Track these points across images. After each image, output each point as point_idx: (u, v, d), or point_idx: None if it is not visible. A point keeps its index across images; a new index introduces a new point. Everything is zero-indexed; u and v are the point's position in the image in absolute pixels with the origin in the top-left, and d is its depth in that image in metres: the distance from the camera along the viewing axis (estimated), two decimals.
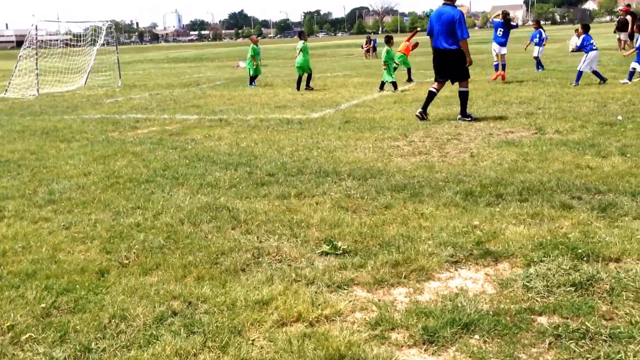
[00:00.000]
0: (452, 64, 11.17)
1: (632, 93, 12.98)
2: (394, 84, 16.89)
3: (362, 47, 42.56)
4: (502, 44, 17.88)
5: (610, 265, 4.23)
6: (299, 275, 4.27)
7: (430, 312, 3.62)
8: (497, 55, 17.99)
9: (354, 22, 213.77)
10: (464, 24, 10.87)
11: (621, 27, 28.65)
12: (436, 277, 4.23)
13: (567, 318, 3.49)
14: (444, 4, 11.17)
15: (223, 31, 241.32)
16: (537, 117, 10.76)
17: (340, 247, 4.76)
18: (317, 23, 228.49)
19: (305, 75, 18.47)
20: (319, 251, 4.75)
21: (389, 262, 4.42)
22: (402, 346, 3.33)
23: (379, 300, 3.86)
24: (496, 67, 18.10)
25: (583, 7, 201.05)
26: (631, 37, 26.30)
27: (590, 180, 6.39)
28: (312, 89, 18.24)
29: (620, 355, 3.08)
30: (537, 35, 21.18)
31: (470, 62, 11.17)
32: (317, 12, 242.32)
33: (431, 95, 11.45)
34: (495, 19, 18.85)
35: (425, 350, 3.28)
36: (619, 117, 10.02)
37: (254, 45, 20.76)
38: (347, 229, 5.20)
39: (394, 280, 4.16)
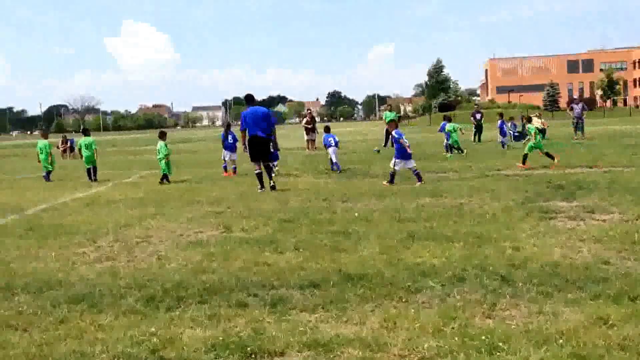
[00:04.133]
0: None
1: (309, 191, 14.33)
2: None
3: (59, 147, 40.79)
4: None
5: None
6: None
7: None
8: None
9: (52, 120, 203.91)
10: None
11: (309, 129, 31.97)
12: None
13: None
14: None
15: None
16: (226, 216, 11.26)
17: None
18: (9, 121, 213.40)
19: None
20: None
21: None
22: None
23: None
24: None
25: (276, 109, 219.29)
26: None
27: (266, 277, 6.83)
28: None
29: None
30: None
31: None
32: (10, 109, 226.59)
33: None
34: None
35: None
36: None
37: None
38: (12, 351, 4.81)
39: None
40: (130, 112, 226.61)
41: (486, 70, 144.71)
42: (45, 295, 6.41)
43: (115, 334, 5.15)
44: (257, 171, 15.12)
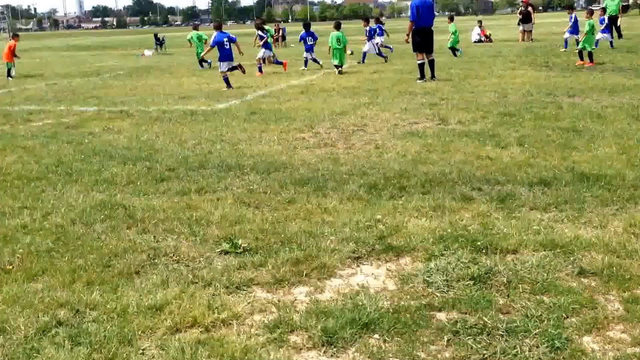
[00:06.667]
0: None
1: (530, 84, 13.41)
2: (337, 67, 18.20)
3: (272, 36, 42.23)
4: None
5: (508, 257, 4.28)
6: (196, 277, 4.08)
7: (330, 311, 3.53)
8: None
9: (262, 10, 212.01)
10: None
11: (524, 19, 29.81)
12: (338, 274, 4.15)
13: (466, 313, 3.49)
14: None
15: (128, 18, 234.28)
16: (441, 107, 10.92)
17: (240, 245, 4.60)
18: (225, 11, 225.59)
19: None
20: (219, 250, 4.58)
21: (290, 259, 4.30)
22: (300, 349, 3.22)
23: (279, 301, 3.73)
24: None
25: None
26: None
27: (490, 171, 6.50)
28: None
29: (516, 350, 3.09)
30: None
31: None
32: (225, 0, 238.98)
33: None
34: None
35: (324, 352, 3.19)
36: None
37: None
38: (248, 226, 5.05)
39: (295, 278, 4.05)
40: (336, 2, 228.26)
41: None
42: (272, 176, 6.65)
43: (342, 217, 5.19)
44: (420, 61, 15.16)
